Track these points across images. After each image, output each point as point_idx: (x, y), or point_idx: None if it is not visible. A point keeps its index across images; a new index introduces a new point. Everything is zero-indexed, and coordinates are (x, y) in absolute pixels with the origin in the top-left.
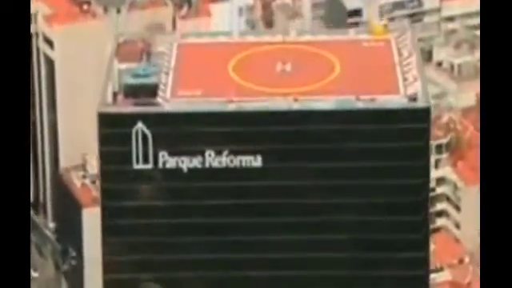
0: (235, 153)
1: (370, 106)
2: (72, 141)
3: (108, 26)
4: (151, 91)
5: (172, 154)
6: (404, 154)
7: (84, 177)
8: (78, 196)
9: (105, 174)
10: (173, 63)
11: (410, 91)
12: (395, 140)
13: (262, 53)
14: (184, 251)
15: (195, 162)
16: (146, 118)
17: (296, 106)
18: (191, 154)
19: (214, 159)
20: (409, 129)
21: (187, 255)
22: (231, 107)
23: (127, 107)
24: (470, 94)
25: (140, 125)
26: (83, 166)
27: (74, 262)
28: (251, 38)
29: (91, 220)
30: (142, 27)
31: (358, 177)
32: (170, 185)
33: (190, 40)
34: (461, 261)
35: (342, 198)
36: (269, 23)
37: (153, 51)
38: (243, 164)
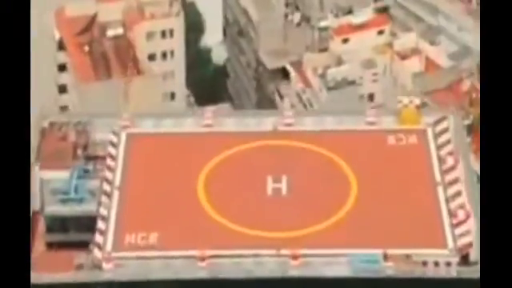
0: None
1: (403, 274)
2: None
3: None
4: (86, 225)
5: None
6: None
7: None
8: None
9: None
10: (118, 176)
11: (461, 241)
12: None
13: (244, 155)
14: None
15: None
16: None
17: (295, 271)
18: None
19: None
20: None
21: None
22: (202, 272)
23: (50, 274)
24: None
25: None
26: None
27: None
28: (229, 125)
29: None
30: None
31: None
32: None
33: (143, 128)
34: None
35: None
36: None
37: (91, 141)
38: None
